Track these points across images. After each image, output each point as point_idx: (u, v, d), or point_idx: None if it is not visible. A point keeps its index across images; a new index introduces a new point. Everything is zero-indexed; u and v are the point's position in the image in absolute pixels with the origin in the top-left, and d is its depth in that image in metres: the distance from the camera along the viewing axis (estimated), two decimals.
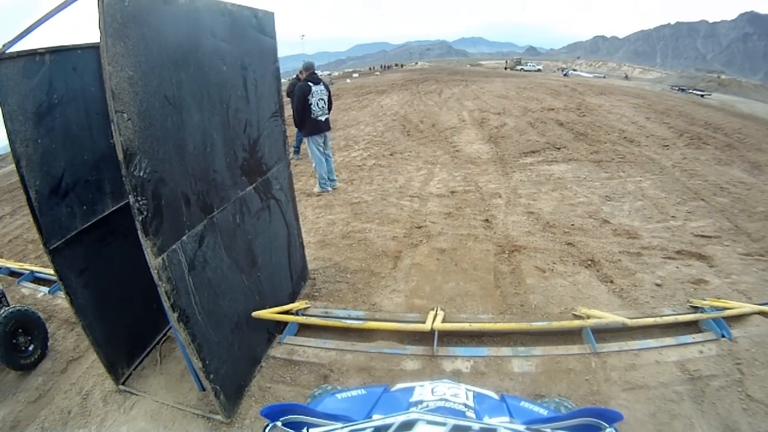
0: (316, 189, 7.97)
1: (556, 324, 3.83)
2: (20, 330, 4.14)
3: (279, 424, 1.56)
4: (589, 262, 5.03)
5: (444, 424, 0.98)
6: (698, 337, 3.73)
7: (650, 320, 3.81)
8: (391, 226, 6.38)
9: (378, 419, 1.04)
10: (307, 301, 4.46)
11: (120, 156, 2.24)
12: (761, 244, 5.11)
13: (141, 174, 2.35)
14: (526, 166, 8.39)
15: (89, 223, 3.38)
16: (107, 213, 3.52)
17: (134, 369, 3.90)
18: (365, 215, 6.79)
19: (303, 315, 4.23)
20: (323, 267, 5.36)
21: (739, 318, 3.82)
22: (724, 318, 3.77)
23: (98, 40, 2.08)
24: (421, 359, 3.79)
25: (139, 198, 2.35)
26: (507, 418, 1.68)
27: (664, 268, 4.83)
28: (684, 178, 7.30)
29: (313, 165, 7.95)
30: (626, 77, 59.94)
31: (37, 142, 2.96)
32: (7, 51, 2.72)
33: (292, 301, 4.41)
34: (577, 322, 3.85)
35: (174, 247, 2.68)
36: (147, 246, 2.45)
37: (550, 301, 4.40)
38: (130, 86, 2.25)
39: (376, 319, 4.16)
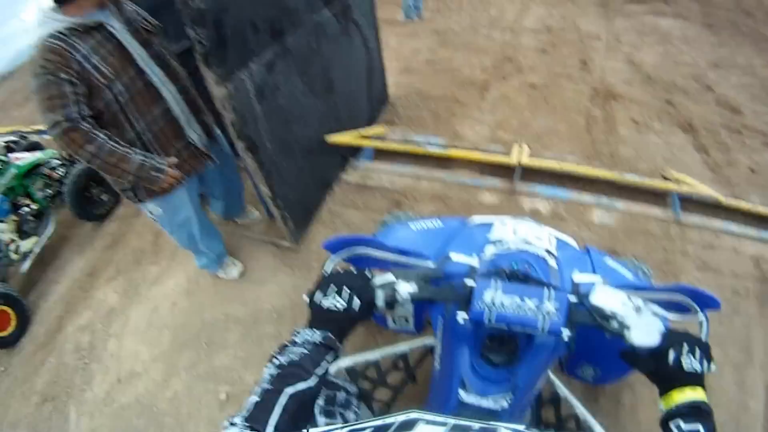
0: (401, 17, 7.42)
1: (647, 181, 3.66)
2: (92, 183, 4.18)
3: (341, 258, 1.51)
4: (687, 126, 4.71)
5: (444, 424, 0.91)
6: None
7: (743, 204, 3.60)
8: (480, 56, 5.97)
9: (376, 420, 0.93)
10: (385, 125, 4.31)
11: None
12: None
13: (200, 4, 2.17)
14: (630, 14, 7.58)
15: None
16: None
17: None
18: (452, 44, 6.35)
19: (380, 140, 4.10)
20: (405, 93, 5.15)
21: None
22: None
23: None
24: (499, 193, 3.74)
25: (198, 30, 2.21)
26: (597, 277, 1.58)
27: (763, 155, 4.46)
28: None
29: None
30: None
31: None
32: None
33: (371, 126, 4.27)
34: (667, 185, 3.66)
35: (241, 76, 2.58)
36: (210, 77, 2.40)
37: (640, 156, 4.20)
38: None
39: (456, 147, 4.02)
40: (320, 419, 1.34)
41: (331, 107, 3.69)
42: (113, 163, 2.27)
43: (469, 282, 1.23)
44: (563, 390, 1.86)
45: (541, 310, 1.14)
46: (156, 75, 2.39)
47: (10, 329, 3.45)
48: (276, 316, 3.15)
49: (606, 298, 1.17)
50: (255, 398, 0.94)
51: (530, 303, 1.15)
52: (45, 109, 2.09)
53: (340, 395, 1.46)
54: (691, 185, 3.62)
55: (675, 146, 4.41)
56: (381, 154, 4.19)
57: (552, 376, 1.89)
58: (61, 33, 2.05)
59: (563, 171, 3.76)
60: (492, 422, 0.93)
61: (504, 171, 3.89)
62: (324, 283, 1.22)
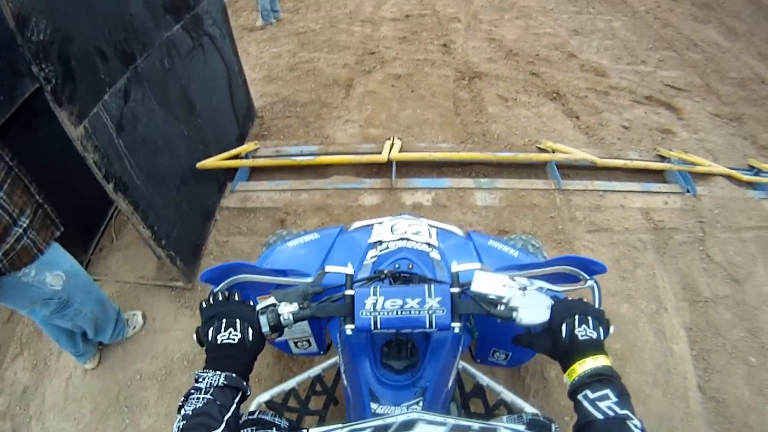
0: (259, 22, 7.11)
1: (522, 156, 3.58)
2: None
3: (222, 288, 1.42)
4: (555, 95, 4.74)
5: (444, 424, 0.93)
6: (664, 187, 3.63)
7: (619, 162, 3.62)
8: (341, 54, 5.83)
9: (377, 419, 0.96)
10: (256, 142, 4.09)
11: (11, 23, 1.86)
12: (731, 108, 4.87)
13: (41, 38, 1.98)
14: None
15: (11, 113, 2.85)
16: (28, 95, 2.99)
17: (92, 254, 3.61)
18: (313, 44, 6.19)
19: (252, 158, 3.87)
20: (271, 103, 4.90)
21: (704, 176, 3.70)
22: (690, 173, 3.64)
23: None
24: (379, 193, 3.59)
25: (43, 65, 1.99)
26: (477, 264, 1.50)
27: (632, 111, 4.59)
28: (657, 26, 6.89)
29: None
30: None
31: None
32: None
33: (241, 144, 4.03)
34: (543, 156, 3.61)
35: (95, 110, 2.35)
36: (63, 117, 2.15)
37: (513, 131, 4.16)
38: None
39: (329, 153, 3.87)
40: None
41: (196, 130, 3.44)
42: None
43: (349, 292, 1.20)
44: (484, 379, 1.85)
45: (425, 307, 1.12)
46: None
47: None
48: (187, 364, 2.95)
49: (487, 283, 1.16)
50: None
51: (413, 302, 1.13)
52: None
53: None
54: (566, 152, 3.57)
55: (545, 116, 4.39)
56: (257, 172, 3.97)
57: (470, 367, 1.87)
58: None
59: (437, 159, 3.61)
60: (492, 422, 0.99)
61: (381, 169, 3.73)
62: (212, 318, 1.16)
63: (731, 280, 3.01)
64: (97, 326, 2.79)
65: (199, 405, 1.00)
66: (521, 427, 1.01)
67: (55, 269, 2.31)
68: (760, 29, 6.97)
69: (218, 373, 1.07)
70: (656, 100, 4.85)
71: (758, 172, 3.81)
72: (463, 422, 0.92)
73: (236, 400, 1.07)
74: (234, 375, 1.08)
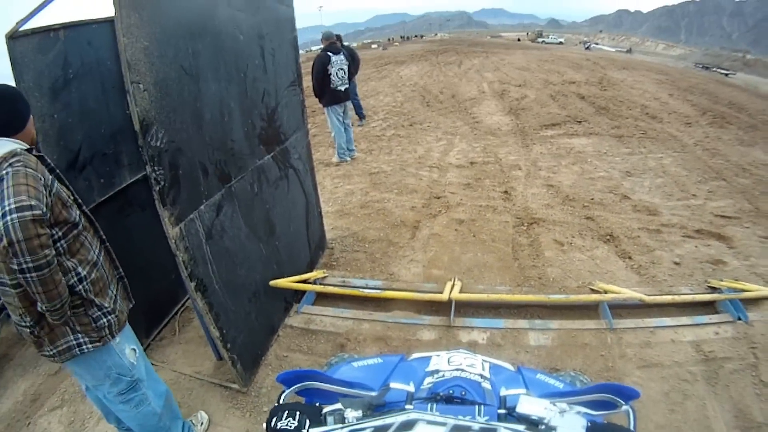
0: (335, 159, 7.89)
1: (573, 297, 3.80)
2: None
3: (293, 391, 1.56)
4: (608, 237, 4.97)
5: (444, 424, 0.99)
6: (714, 318, 3.67)
7: (667, 298, 3.75)
8: (409, 196, 6.32)
9: (377, 419, 1.06)
10: (325, 270, 4.46)
11: (136, 126, 2.21)
12: None
13: (158, 144, 2.33)
14: (546, 139, 8.27)
15: (107, 196, 3.37)
16: (125, 185, 3.50)
17: (152, 340, 3.90)
18: (384, 185, 6.74)
19: (320, 284, 4.21)
20: (341, 236, 5.34)
21: (756, 301, 3.76)
22: (741, 300, 3.71)
23: (113, 14, 2.05)
24: (437, 329, 3.77)
25: (156, 168, 2.33)
26: (523, 390, 1.69)
27: (683, 246, 4.75)
28: (705, 157, 7.14)
29: (332, 135, 7.86)
30: (629, 50, 56.96)
31: (54, 117, 2.94)
32: (22, 28, 2.68)
33: (310, 270, 4.39)
34: (594, 297, 3.81)
35: (191, 216, 2.66)
36: (164, 216, 2.44)
37: (567, 275, 4.36)
38: (145, 56, 2.22)
39: (393, 289, 4.14)
40: None
41: (273, 251, 3.76)
42: (57, 282, 1.96)
43: (408, 407, 1.31)
44: None
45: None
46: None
47: None
48: None
49: (530, 406, 1.24)
50: None
51: (463, 421, 1.18)
52: (15, 192, 1.81)
53: None
54: (616, 291, 3.76)
55: (599, 258, 4.60)
56: (323, 298, 4.22)
57: None
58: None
59: (494, 301, 3.87)
60: (492, 422, 1.01)
61: (440, 307, 3.93)
62: (278, 410, 1.29)
63: None
64: (162, 428, 2.77)
65: None
66: (521, 427, 1.06)
67: (131, 343, 2.47)
68: None
69: None
70: (706, 232, 5.02)
71: None
72: (464, 422, 0.95)
73: None
74: None
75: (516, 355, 3.48)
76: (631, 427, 1.30)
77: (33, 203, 1.83)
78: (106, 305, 2.26)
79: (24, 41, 2.74)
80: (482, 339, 3.65)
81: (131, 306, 2.55)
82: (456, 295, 3.83)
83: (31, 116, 2.17)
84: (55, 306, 2.00)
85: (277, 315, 3.91)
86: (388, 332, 3.80)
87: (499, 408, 1.33)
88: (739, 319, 3.59)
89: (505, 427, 0.95)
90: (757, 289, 3.77)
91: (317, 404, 1.39)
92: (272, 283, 3.72)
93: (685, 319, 3.66)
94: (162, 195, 2.39)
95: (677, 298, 3.76)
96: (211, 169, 2.87)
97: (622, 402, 1.40)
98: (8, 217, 1.77)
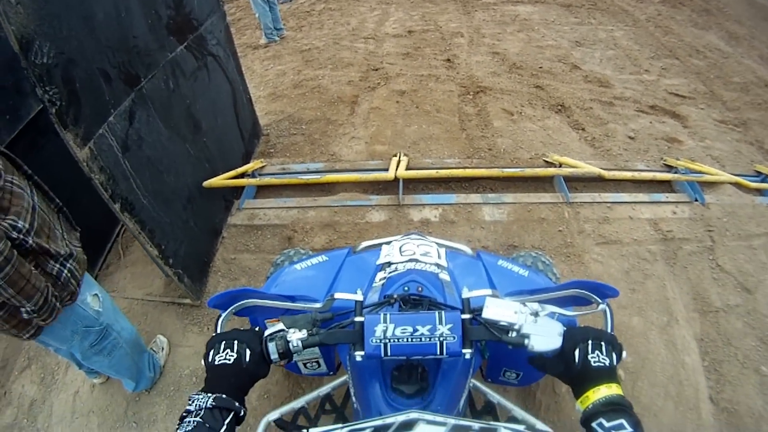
0: (263, 40, 7.19)
1: (529, 171, 3.60)
2: None
3: (230, 313, 1.45)
4: (559, 107, 4.76)
5: (444, 424, 0.95)
6: (672, 197, 3.62)
7: (626, 174, 3.62)
8: (345, 71, 5.88)
9: (376, 419, 0.98)
10: (262, 159, 4.13)
11: (15, 47, 1.87)
12: (736, 114, 4.88)
13: (44, 60, 1.99)
14: (488, 6, 7.80)
15: (18, 130, 2.95)
16: (34, 114, 3.07)
17: (99, 270, 3.63)
18: (317, 62, 6.25)
19: (259, 176, 3.91)
20: (276, 120, 4.94)
21: (712, 185, 3.69)
22: (698, 182, 3.63)
23: None
24: (387, 209, 3.60)
25: (47, 88, 2.00)
26: (488, 290, 1.42)
27: (637, 121, 4.61)
28: (658, 34, 6.91)
29: (257, 15, 7.12)
30: None
31: None
32: None
33: (247, 162, 4.06)
34: (550, 170, 3.63)
35: (100, 131, 2.36)
36: (69, 139, 2.15)
37: (519, 145, 4.17)
38: None
39: (336, 171, 3.91)
40: None
41: (202, 149, 3.46)
42: (26, 275, 1.70)
43: (359, 319, 1.21)
44: (495, 396, 1.82)
45: (436, 334, 1.12)
46: None
47: None
48: (196, 380, 2.94)
49: (498, 310, 1.15)
50: None
51: (423, 329, 1.13)
52: None
53: None
54: (573, 165, 3.58)
55: (551, 129, 4.40)
56: (263, 190, 4.00)
57: (480, 385, 1.84)
58: None
59: (443, 176, 3.64)
60: (492, 422, 0.98)
61: (387, 185, 3.75)
62: (214, 342, 1.19)
63: (742, 289, 3.00)
64: (134, 366, 2.71)
65: (189, 428, 1.01)
66: (521, 428, 1.02)
67: (92, 289, 2.24)
68: (760, 32, 7.00)
69: (208, 394, 1.07)
70: (661, 108, 4.87)
71: (765, 178, 3.82)
72: (463, 422, 0.93)
73: (227, 422, 1.06)
74: (224, 396, 1.08)
75: (471, 232, 3.33)
76: (608, 328, 1.23)
77: None
78: (61, 250, 1.92)
79: None
80: (434, 216, 3.48)
81: (78, 233, 2.22)
82: (402, 172, 3.60)
83: None
84: (39, 302, 1.75)
85: (218, 216, 3.70)
86: (336, 217, 3.61)
87: (462, 312, 1.19)
88: (696, 200, 3.54)
89: (505, 427, 0.92)
90: (714, 173, 3.68)
91: (257, 328, 1.26)
92: (206, 183, 3.41)
93: (642, 196, 3.59)
94: (61, 116, 2.10)
95: (636, 176, 3.62)
96: (114, 74, 2.51)
97: (598, 300, 1.32)
98: None
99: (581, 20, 7.14)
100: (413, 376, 1.26)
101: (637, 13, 7.53)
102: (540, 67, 5.58)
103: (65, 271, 1.93)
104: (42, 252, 1.84)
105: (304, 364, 1.98)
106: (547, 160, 3.79)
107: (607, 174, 3.50)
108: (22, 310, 1.75)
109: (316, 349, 1.83)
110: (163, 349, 3.08)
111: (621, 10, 7.66)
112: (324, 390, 1.95)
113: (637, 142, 4.27)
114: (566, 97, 4.89)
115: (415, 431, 0.92)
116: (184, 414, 1.05)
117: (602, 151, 4.12)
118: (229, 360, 1.14)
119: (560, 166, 3.65)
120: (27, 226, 1.79)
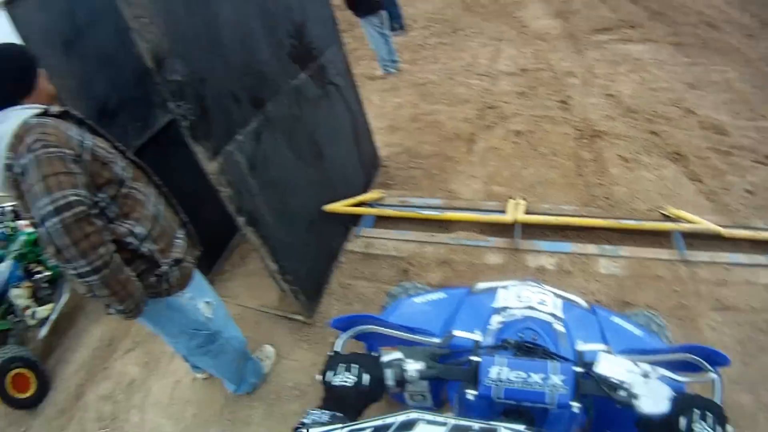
0: (380, 71, 7.49)
1: (647, 224, 3.61)
2: None
3: (350, 335, 1.49)
4: (676, 156, 4.66)
5: (444, 424, 0.95)
6: None
7: (745, 233, 3.47)
8: (461, 107, 6.01)
9: (377, 419, 0.97)
10: (381, 190, 4.32)
11: (149, 63, 2.09)
12: None
13: (177, 77, 2.19)
14: (600, 44, 7.68)
15: (147, 138, 3.30)
16: (165, 124, 3.42)
17: (214, 274, 3.89)
18: (433, 96, 6.41)
19: (378, 206, 4.10)
20: (395, 153, 5.15)
21: None
22: None
23: None
24: (503, 252, 3.69)
25: (179, 103, 2.22)
26: (602, 345, 1.57)
27: (755, 173, 4.39)
28: None
29: (372, 46, 7.38)
30: None
31: (72, 71, 2.82)
32: None
33: (366, 191, 4.26)
34: (668, 225, 3.61)
35: (229, 148, 2.57)
36: (199, 151, 2.37)
37: (635, 195, 4.15)
38: None
39: (454, 208, 4.03)
40: None
41: (324, 175, 3.68)
42: (122, 282, 1.84)
43: (475, 358, 1.24)
44: None
45: (548, 383, 1.14)
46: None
47: (30, 392, 3.45)
48: (298, 393, 3.07)
49: (611, 366, 1.17)
50: None
51: (536, 377, 1.15)
52: (46, 189, 1.63)
53: None
54: (691, 220, 3.54)
55: (668, 179, 4.36)
56: (381, 220, 4.17)
57: None
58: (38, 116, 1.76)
59: (561, 224, 3.73)
60: (492, 422, 0.96)
61: (504, 228, 3.82)
62: (333, 362, 1.24)
63: None
64: (239, 370, 2.84)
65: None
66: (521, 427, 1.02)
67: (205, 296, 2.39)
68: None
69: (325, 411, 1.09)
70: None
71: None
72: (464, 422, 0.93)
73: None
74: (340, 415, 1.09)
75: (587, 285, 3.37)
76: (716, 399, 1.18)
77: (71, 199, 1.66)
78: (172, 260, 2.14)
79: (21, 3, 2.56)
80: (550, 264, 3.55)
81: (198, 252, 2.45)
82: (521, 217, 3.70)
83: (40, 70, 1.96)
84: (129, 307, 1.92)
85: (336, 241, 3.88)
86: (452, 255, 3.72)
87: (575, 364, 1.21)
88: None
89: (506, 427, 0.90)
90: None
91: (373, 353, 1.31)
92: (327, 207, 3.62)
93: (761, 258, 3.40)
94: (192, 130, 2.31)
95: (756, 235, 3.48)
96: (242, 95, 2.73)
97: (709, 368, 1.27)
98: (48, 223, 1.64)
99: (693, 60, 6.93)
100: (521, 420, 1.23)
101: (750, 53, 7.15)
102: (654, 111, 5.49)
103: (163, 279, 2.10)
104: (155, 260, 2.04)
105: (411, 396, 1.97)
106: (664, 213, 3.75)
107: (726, 232, 3.43)
108: (110, 308, 1.92)
109: (426, 383, 1.80)
110: (269, 357, 3.24)
111: (732, 48, 7.33)
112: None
113: (756, 197, 4.10)
114: (682, 145, 4.80)
115: (415, 431, 0.92)
116: (299, 425, 1.07)
117: (720, 206, 4.01)
118: (347, 382, 1.18)
119: (678, 220, 3.62)
120: (145, 232, 1.99)
